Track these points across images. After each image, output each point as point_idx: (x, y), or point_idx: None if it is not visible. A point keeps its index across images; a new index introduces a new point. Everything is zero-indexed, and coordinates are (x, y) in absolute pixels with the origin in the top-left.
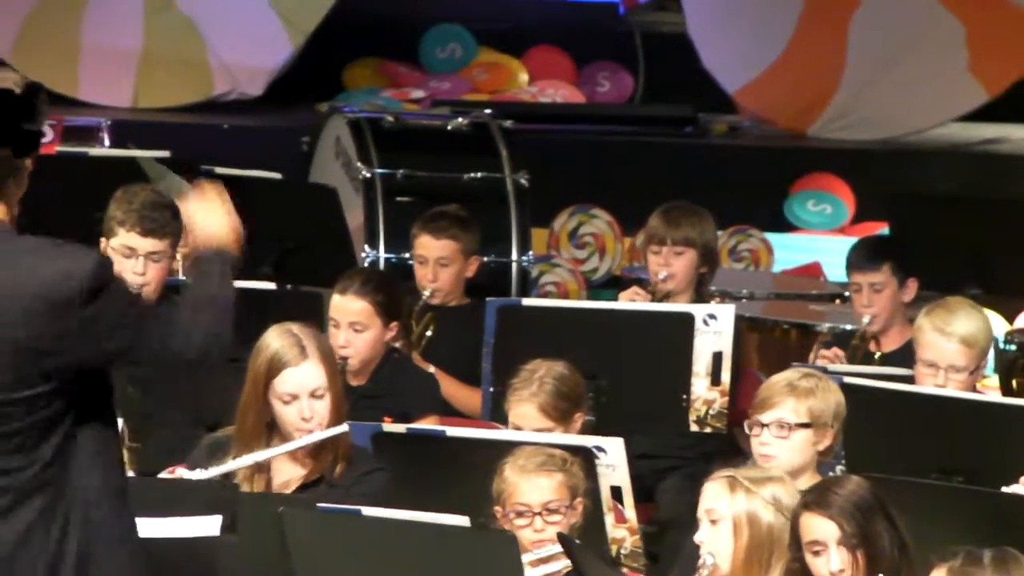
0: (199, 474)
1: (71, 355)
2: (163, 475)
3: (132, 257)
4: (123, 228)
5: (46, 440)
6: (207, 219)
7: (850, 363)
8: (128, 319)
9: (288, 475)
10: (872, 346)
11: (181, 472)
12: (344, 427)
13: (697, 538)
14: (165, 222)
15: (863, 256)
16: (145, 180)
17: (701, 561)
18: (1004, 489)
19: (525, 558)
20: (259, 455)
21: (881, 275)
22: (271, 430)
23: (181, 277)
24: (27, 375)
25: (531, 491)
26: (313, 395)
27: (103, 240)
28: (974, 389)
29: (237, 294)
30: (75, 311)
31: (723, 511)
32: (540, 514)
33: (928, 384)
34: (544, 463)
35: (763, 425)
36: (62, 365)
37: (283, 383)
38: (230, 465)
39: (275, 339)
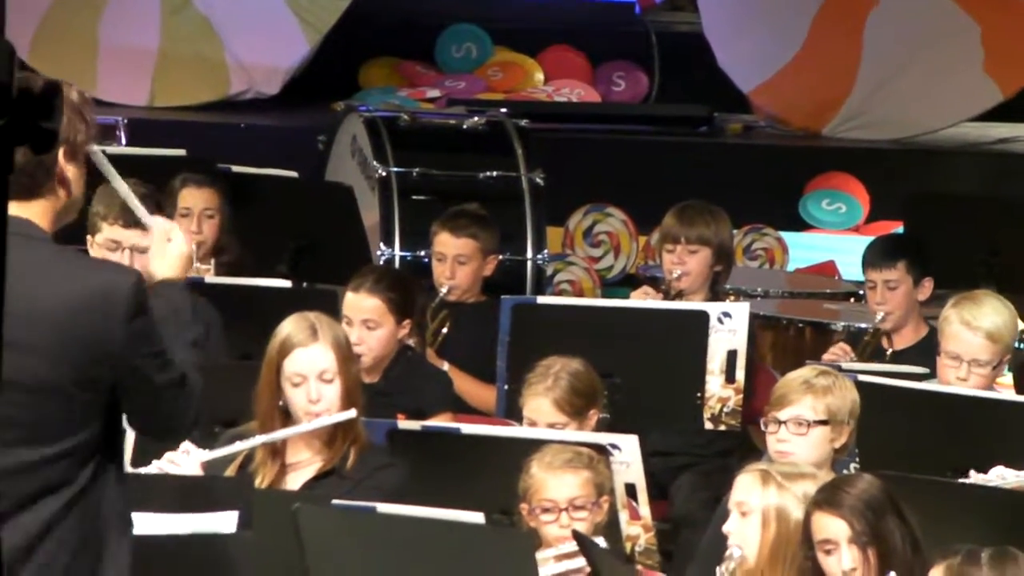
0: (204, 454)
1: (107, 369)
2: (169, 453)
3: (117, 250)
4: (106, 222)
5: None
6: (161, 250)
7: (860, 358)
8: (160, 348)
9: (303, 463)
10: (884, 342)
11: (187, 446)
12: (352, 412)
13: (725, 528)
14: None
15: (878, 253)
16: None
17: (728, 552)
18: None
19: (548, 553)
20: (263, 437)
21: (896, 272)
22: (287, 418)
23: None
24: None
25: (558, 487)
26: (321, 378)
27: (88, 237)
28: (992, 385)
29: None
30: (121, 324)
31: (754, 504)
32: (566, 510)
33: (950, 376)
34: (571, 460)
35: (780, 422)
36: (96, 376)
37: (292, 363)
38: (236, 446)
39: (289, 323)
